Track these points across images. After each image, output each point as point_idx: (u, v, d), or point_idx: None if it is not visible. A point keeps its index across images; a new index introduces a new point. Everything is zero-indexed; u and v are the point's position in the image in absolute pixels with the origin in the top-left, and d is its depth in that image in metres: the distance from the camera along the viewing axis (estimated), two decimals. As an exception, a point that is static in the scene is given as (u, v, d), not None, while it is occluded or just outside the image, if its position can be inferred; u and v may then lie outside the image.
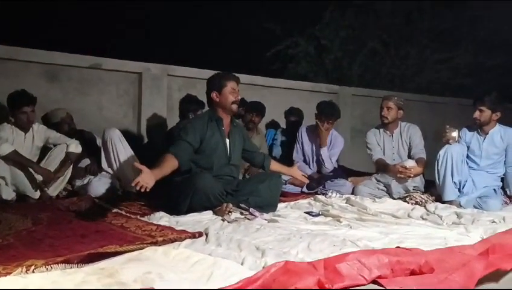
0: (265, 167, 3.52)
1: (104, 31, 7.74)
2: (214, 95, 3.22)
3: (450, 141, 3.66)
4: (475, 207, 3.55)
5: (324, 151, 4.46)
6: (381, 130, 4.20)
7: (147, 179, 2.53)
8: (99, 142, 4.06)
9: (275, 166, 3.57)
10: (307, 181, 3.77)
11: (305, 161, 4.68)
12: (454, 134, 3.67)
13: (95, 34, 7.48)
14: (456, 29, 9.29)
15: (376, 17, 9.27)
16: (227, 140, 3.29)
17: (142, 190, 2.53)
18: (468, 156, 3.81)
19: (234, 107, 3.25)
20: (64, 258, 1.87)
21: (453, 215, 3.18)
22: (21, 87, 3.59)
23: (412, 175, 3.79)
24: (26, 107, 3.51)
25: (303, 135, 4.69)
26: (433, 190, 3.85)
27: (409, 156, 4.06)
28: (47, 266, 1.78)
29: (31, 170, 3.51)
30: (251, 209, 2.99)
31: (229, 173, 3.28)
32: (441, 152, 3.66)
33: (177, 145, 3.04)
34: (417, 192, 3.81)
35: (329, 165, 4.49)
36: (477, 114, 3.71)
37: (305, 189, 4.34)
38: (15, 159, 3.42)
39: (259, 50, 8.59)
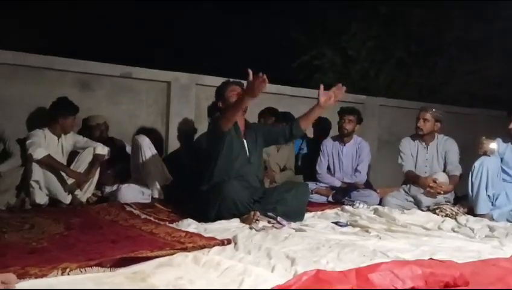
0: (294, 129, 3.33)
1: (135, 41, 7.91)
2: (220, 104, 3.36)
3: (488, 153, 3.54)
4: (508, 221, 3.45)
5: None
6: (417, 140, 4.13)
7: None
8: (128, 149, 4.14)
9: (303, 119, 3.33)
10: (332, 103, 3.21)
11: (329, 172, 4.65)
12: (493, 146, 3.54)
13: (126, 44, 7.65)
14: (486, 40, 9.11)
15: (404, 27, 9.18)
16: (244, 141, 3.34)
17: None
18: (501, 168, 3.69)
19: None
20: (97, 261, 1.90)
21: (486, 228, 3.11)
22: (56, 96, 3.72)
23: (441, 192, 3.73)
24: (72, 117, 3.73)
25: (327, 146, 4.66)
26: (463, 202, 3.76)
27: (444, 171, 3.98)
28: (81, 269, 1.82)
29: (63, 174, 3.60)
30: (279, 218, 2.98)
31: (250, 172, 3.31)
32: (476, 164, 3.56)
33: None
34: (447, 204, 3.73)
35: (361, 178, 4.49)
36: None
37: (330, 199, 4.31)
38: (49, 163, 3.51)
39: (286, 60, 8.61)
